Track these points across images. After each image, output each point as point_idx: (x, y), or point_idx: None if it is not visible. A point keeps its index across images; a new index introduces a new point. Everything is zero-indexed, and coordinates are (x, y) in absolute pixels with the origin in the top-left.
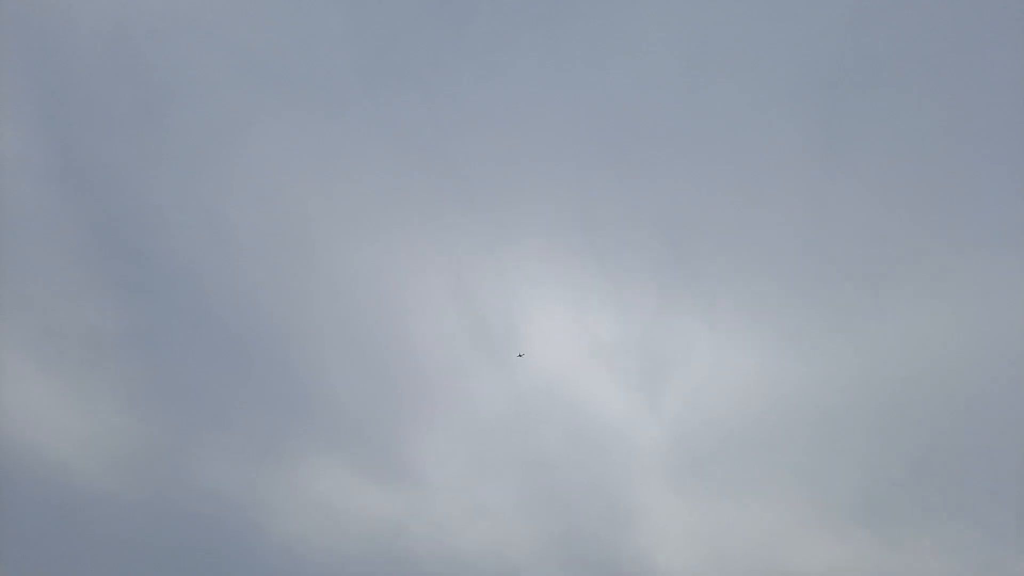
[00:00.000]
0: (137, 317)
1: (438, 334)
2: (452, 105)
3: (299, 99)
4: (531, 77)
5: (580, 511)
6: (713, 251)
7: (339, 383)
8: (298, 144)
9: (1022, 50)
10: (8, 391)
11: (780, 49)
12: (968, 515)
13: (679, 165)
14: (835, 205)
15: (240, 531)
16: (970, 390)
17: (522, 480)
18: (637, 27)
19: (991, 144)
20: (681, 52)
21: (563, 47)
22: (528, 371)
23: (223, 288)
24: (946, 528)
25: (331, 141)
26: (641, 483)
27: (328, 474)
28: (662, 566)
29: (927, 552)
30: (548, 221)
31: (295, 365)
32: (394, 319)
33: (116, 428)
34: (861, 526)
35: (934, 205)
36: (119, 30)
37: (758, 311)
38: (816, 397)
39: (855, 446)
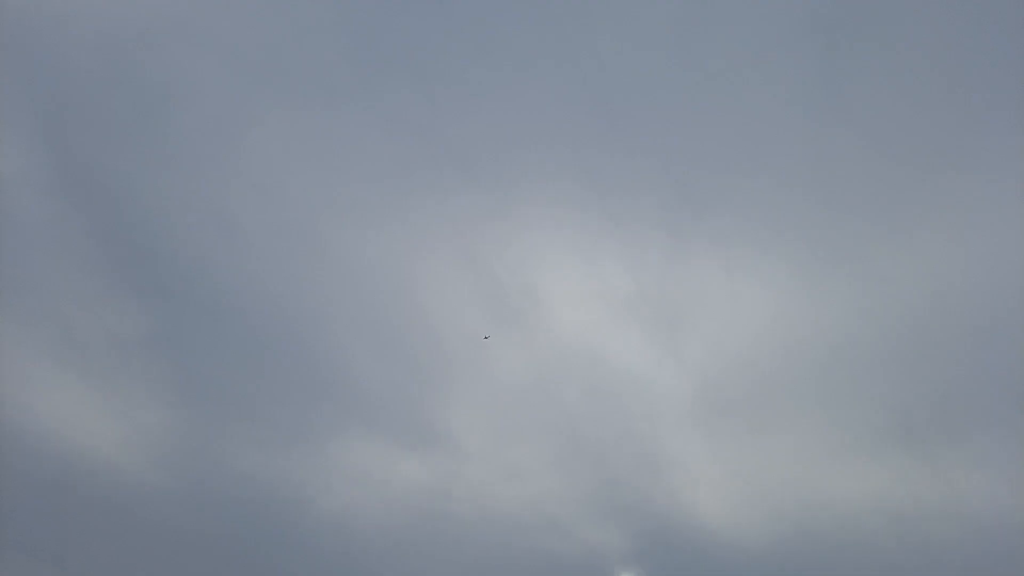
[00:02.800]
0: (156, 318)
1: (454, 305)
2: (445, 85)
3: (294, 93)
4: (521, 49)
5: (611, 463)
6: (721, 195)
7: (362, 363)
8: (297, 137)
9: None
10: (42, 400)
11: None
12: (998, 428)
13: (679, 115)
14: (838, 140)
15: (288, 510)
16: (988, 309)
17: (551, 438)
18: None
19: (990, 71)
20: (672, 4)
21: (548, 12)
22: (547, 331)
23: (237, 283)
24: (978, 442)
25: (329, 131)
26: (669, 430)
27: (365, 449)
28: (698, 508)
29: (961, 465)
30: (552, 184)
31: (317, 350)
32: (410, 296)
33: (151, 425)
34: (894, 447)
35: (936, 133)
36: (112, 38)
37: (771, 251)
38: (837, 328)
39: (880, 372)
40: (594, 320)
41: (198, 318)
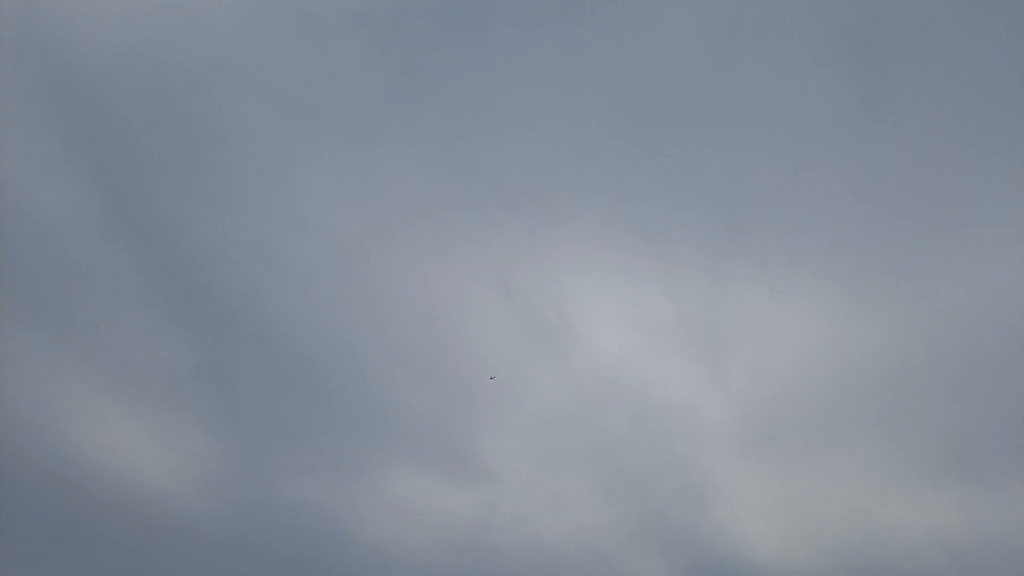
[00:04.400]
0: (206, 350)
1: (492, 333)
2: (478, 111)
3: (336, 129)
4: (552, 73)
5: (656, 493)
6: (762, 215)
7: (403, 392)
8: (339, 171)
9: None
10: (98, 433)
11: (806, 11)
12: None
13: (715, 135)
14: (879, 156)
15: (332, 540)
16: None
17: (593, 468)
18: (655, 6)
19: None
20: (705, 25)
21: (580, 38)
22: (587, 359)
23: (283, 314)
24: None
25: (365, 162)
26: (715, 459)
27: (407, 479)
28: (746, 540)
29: None
30: (588, 208)
31: (359, 380)
32: (447, 325)
33: (201, 457)
34: (953, 475)
35: (982, 144)
36: (160, 80)
37: (817, 270)
38: (891, 350)
39: (937, 397)
40: (634, 346)
41: (246, 349)
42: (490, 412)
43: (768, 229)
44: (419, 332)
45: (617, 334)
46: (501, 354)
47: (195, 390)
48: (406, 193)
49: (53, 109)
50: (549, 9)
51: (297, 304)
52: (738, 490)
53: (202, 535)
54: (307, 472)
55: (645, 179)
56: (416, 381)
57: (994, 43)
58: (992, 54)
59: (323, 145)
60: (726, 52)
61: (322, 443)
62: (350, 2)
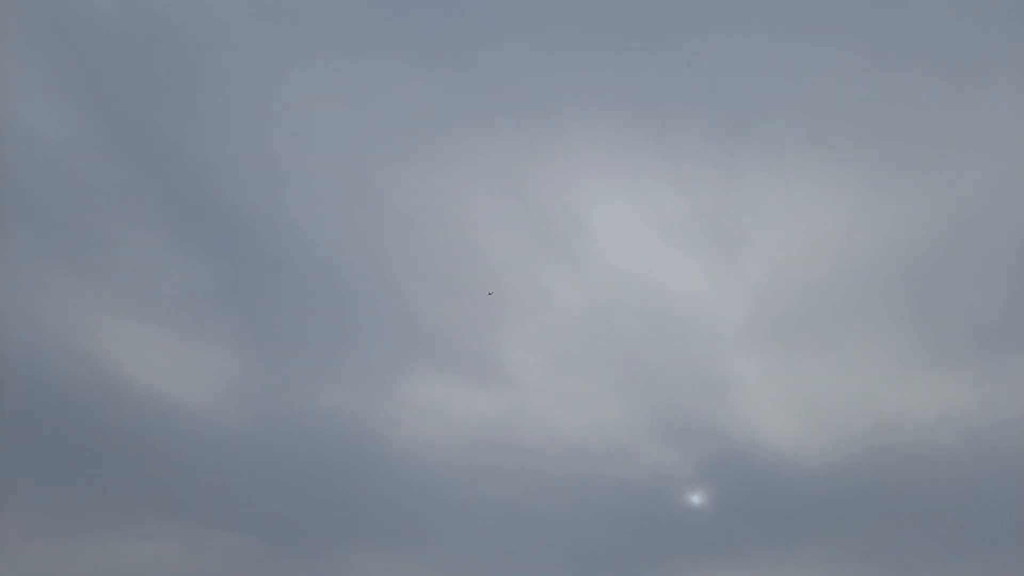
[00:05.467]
0: (220, 269)
1: (505, 239)
2: (474, 12)
3: (324, 36)
4: None
5: (672, 388)
6: (773, 101)
7: (420, 301)
8: (332, 80)
9: None
10: (125, 353)
11: None
12: None
13: (720, 19)
14: (898, 24)
15: (365, 445)
16: None
17: (611, 366)
18: None
19: None
20: None
21: None
22: (600, 259)
23: (293, 229)
24: None
25: (362, 72)
26: (729, 351)
27: (431, 384)
28: (762, 428)
29: None
30: (592, 107)
31: (376, 290)
32: (460, 232)
33: (231, 372)
34: (964, 358)
35: (1018, 8)
36: (144, 2)
37: (833, 156)
38: (907, 236)
39: (948, 282)
40: (647, 244)
41: (261, 265)
42: (506, 317)
43: (780, 116)
44: (431, 240)
45: (629, 233)
46: (513, 259)
47: (215, 308)
48: (407, 101)
49: (45, 36)
50: None
51: (308, 218)
52: (754, 381)
53: (237, 446)
54: (334, 381)
55: (650, 72)
56: (432, 289)
57: None
58: None
59: (318, 56)
60: None
61: (345, 353)
62: None
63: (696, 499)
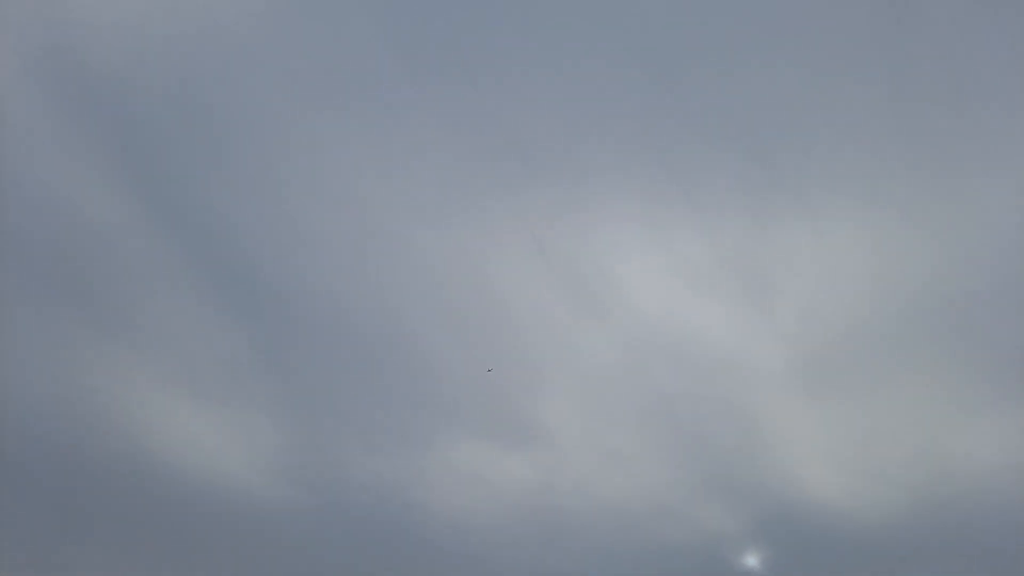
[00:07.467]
0: (260, 338)
1: (533, 297)
2: (494, 75)
3: (352, 108)
4: (562, 25)
5: (714, 443)
6: (796, 142)
7: (454, 363)
8: (363, 149)
9: None
10: (165, 424)
11: None
12: None
13: (738, 61)
14: (917, 60)
15: (403, 513)
16: None
17: (649, 422)
18: None
19: None
20: None
21: None
22: (629, 312)
23: (329, 296)
24: None
25: (391, 139)
26: (772, 404)
27: (468, 448)
28: (814, 483)
29: None
30: (614, 159)
31: (410, 354)
32: (488, 291)
33: (268, 442)
34: None
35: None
36: (181, 79)
37: (861, 195)
38: (949, 274)
39: (1003, 318)
40: (677, 294)
41: (298, 333)
42: (539, 376)
43: (804, 157)
44: (462, 301)
45: (657, 283)
46: (544, 316)
47: (255, 378)
48: (434, 165)
49: (84, 119)
50: None
51: (342, 284)
52: (800, 434)
53: (277, 519)
54: (370, 449)
55: (669, 120)
56: (463, 351)
57: None
58: None
59: (348, 126)
60: None
61: (381, 420)
62: None
63: (748, 561)
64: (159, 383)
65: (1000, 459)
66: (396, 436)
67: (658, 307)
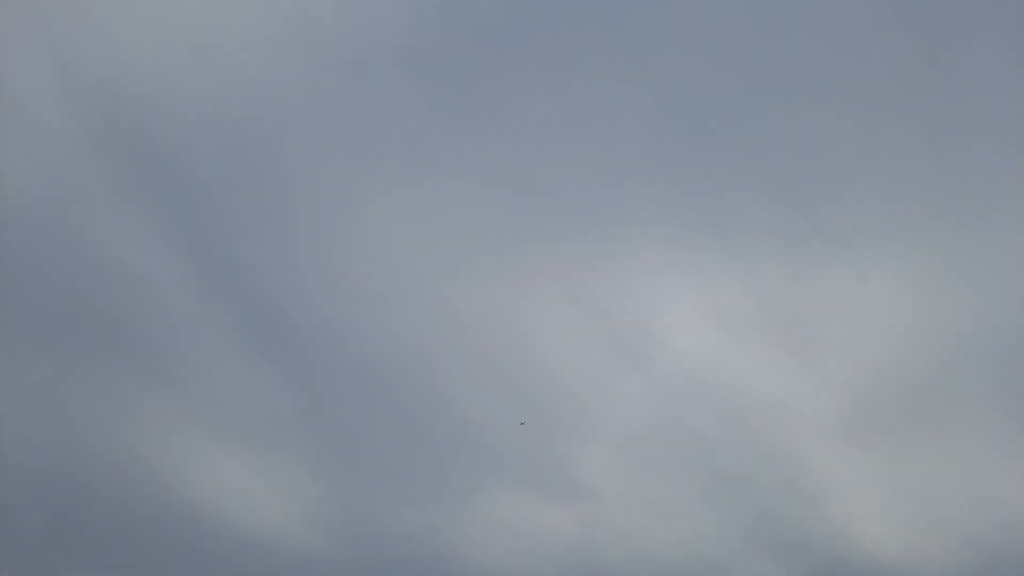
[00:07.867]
0: (300, 392)
1: (570, 347)
2: (527, 128)
3: (389, 164)
4: (593, 76)
5: (761, 494)
6: (834, 188)
7: (492, 415)
8: (399, 204)
9: None
10: (208, 475)
11: None
12: None
13: (773, 107)
14: (955, 102)
15: (443, 565)
16: None
17: (692, 473)
18: None
19: None
20: (744, 6)
21: (616, 35)
22: (669, 362)
23: (367, 349)
24: None
25: (427, 194)
26: (819, 453)
27: (507, 500)
28: (868, 536)
29: None
30: (650, 207)
31: (447, 406)
32: (527, 344)
33: (308, 494)
34: None
35: None
36: (226, 144)
37: (902, 241)
38: (998, 316)
39: None
40: (716, 344)
41: (337, 386)
42: (579, 427)
43: (843, 203)
44: (500, 354)
45: (697, 333)
46: (582, 365)
47: (295, 430)
48: (469, 217)
49: (140, 183)
50: (580, 14)
51: (380, 337)
52: (850, 484)
53: (316, 570)
54: (409, 502)
55: (705, 168)
56: (501, 403)
57: None
58: None
59: (385, 183)
60: (772, 14)
61: (420, 471)
62: (390, 44)
63: None
64: (203, 435)
65: None
66: (435, 488)
67: (698, 356)
